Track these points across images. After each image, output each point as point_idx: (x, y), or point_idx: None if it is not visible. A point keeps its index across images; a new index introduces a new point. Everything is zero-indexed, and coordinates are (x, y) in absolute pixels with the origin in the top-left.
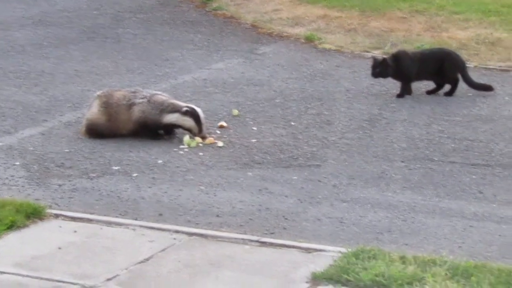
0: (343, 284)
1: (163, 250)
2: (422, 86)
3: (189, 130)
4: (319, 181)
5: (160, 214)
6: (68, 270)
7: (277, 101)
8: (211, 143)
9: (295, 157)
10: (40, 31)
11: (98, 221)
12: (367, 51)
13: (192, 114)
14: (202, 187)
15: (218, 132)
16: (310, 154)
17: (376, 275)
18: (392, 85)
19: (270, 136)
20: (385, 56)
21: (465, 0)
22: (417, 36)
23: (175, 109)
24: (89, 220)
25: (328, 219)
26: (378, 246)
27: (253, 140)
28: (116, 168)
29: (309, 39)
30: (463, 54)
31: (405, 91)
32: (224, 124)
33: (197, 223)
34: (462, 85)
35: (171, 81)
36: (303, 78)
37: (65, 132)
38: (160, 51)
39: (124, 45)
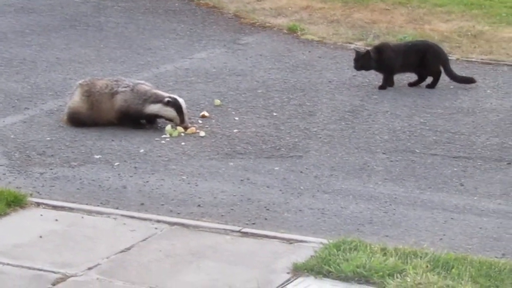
0: (324, 275)
1: (144, 239)
2: (404, 78)
3: (171, 120)
4: (301, 172)
5: (142, 204)
6: (49, 258)
7: (260, 91)
8: (193, 133)
9: (277, 147)
10: (22, 19)
11: (79, 210)
12: (350, 43)
13: (174, 104)
14: (184, 177)
15: (200, 122)
16: (292, 145)
17: (357, 267)
18: (374, 76)
19: (252, 127)
20: (368, 49)
21: None
22: (399, 28)
23: (158, 99)
24: (71, 209)
25: (310, 210)
26: (359, 237)
27: (235, 130)
28: (98, 157)
29: (291, 30)
30: (445, 47)
31: (387, 83)
32: (206, 114)
33: (178, 213)
34: (444, 78)
35: (153, 70)
36: (285, 68)
37: (47, 120)
38: (142, 40)
39: (106, 34)
